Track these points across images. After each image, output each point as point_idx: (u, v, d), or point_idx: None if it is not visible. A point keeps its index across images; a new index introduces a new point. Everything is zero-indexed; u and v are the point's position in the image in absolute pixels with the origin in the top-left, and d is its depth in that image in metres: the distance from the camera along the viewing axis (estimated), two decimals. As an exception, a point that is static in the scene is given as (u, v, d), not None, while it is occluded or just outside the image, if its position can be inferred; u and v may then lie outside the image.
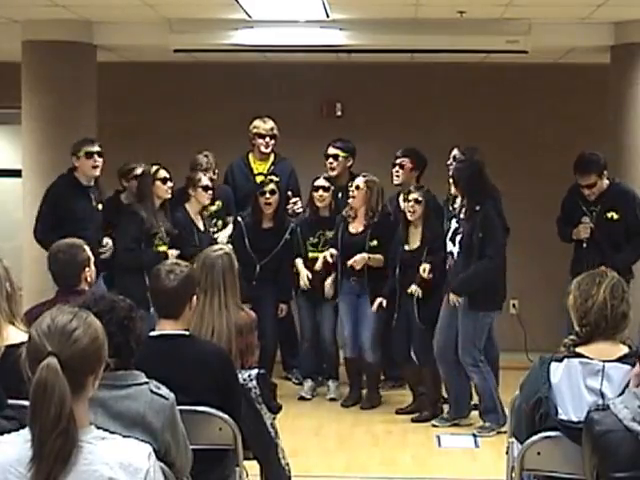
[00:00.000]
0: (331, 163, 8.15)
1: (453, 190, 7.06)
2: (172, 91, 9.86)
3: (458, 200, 7.14)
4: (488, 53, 8.72)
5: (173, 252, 7.19)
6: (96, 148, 7.23)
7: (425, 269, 7.10)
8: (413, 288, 7.19)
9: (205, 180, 7.63)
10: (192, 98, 9.86)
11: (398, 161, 7.77)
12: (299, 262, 7.89)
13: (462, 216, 6.96)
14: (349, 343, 7.80)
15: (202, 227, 7.65)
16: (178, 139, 9.41)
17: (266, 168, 8.32)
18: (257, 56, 9.26)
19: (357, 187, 7.58)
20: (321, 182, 7.89)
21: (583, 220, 7.16)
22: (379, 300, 7.49)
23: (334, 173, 8.14)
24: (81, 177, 7.24)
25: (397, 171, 7.76)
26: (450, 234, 7.00)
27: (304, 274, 7.82)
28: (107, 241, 7.27)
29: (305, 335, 8.15)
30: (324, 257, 7.69)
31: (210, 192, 7.65)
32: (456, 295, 6.88)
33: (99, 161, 7.22)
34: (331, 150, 8.18)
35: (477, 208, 6.87)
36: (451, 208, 7.21)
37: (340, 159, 8.15)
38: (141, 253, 7.12)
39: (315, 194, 7.88)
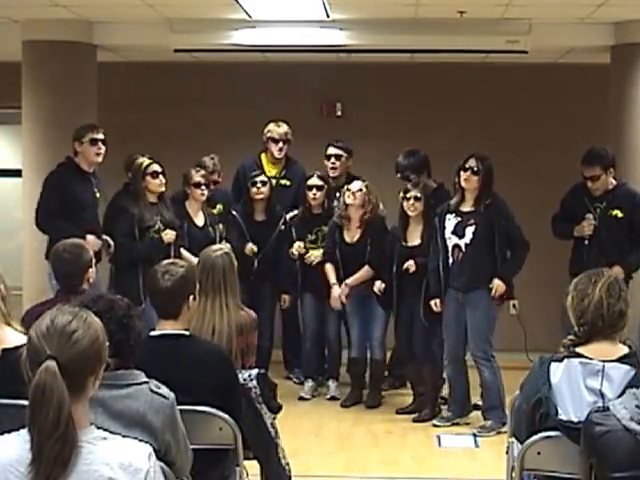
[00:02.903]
0: (333, 163, 8.16)
1: (472, 186, 6.96)
2: (172, 91, 9.86)
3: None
4: (488, 53, 8.72)
5: (168, 232, 7.18)
6: (100, 135, 7.21)
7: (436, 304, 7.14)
8: (410, 263, 7.21)
9: (197, 177, 7.63)
10: (192, 98, 9.85)
11: (400, 176, 7.74)
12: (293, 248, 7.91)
13: (468, 209, 6.95)
14: (356, 343, 7.80)
15: (201, 223, 7.64)
16: (178, 139, 9.41)
17: (279, 171, 8.33)
18: (257, 56, 9.26)
19: (360, 190, 7.57)
20: (315, 181, 7.90)
21: (587, 217, 7.18)
22: (378, 283, 7.48)
23: (336, 173, 8.15)
24: (82, 163, 7.19)
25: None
26: (452, 228, 6.99)
27: (295, 248, 7.86)
28: (106, 238, 7.22)
29: (308, 335, 8.15)
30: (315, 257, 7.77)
31: (203, 188, 7.63)
32: (505, 288, 6.94)
33: (102, 149, 7.20)
34: (333, 150, 8.18)
35: (488, 201, 6.91)
36: (453, 206, 7.12)
37: (342, 159, 8.16)
38: (133, 245, 7.09)
39: (309, 193, 7.91)
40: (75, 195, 7.09)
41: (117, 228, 7.20)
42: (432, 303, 7.12)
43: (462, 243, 6.96)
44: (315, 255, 7.87)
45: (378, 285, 7.52)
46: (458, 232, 6.97)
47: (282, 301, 8.11)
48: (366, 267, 7.62)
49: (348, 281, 7.64)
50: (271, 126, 8.30)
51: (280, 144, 8.26)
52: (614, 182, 7.22)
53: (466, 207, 7.00)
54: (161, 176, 7.28)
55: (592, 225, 7.15)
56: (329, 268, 7.74)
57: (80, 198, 7.11)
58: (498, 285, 6.91)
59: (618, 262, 6.98)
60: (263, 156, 8.41)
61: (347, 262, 7.67)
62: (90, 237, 6.93)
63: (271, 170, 8.30)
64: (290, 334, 8.60)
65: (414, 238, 7.37)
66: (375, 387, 7.85)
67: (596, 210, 7.17)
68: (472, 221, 6.93)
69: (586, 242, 7.19)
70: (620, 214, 7.13)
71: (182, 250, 7.28)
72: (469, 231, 6.93)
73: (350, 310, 7.80)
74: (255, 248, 7.73)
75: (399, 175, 7.77)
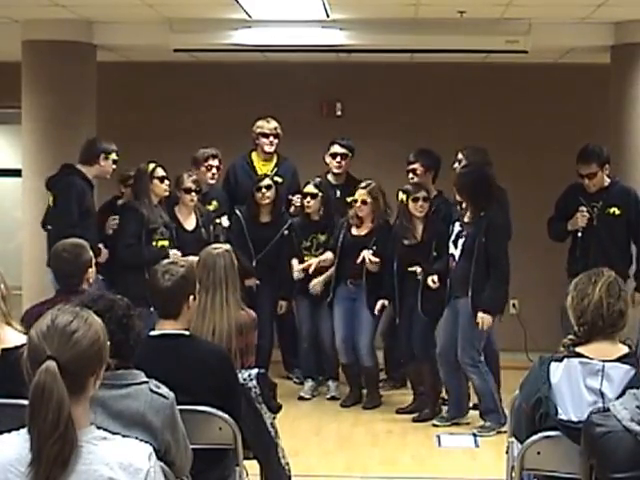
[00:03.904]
0: (339, 162, 8.16)
1: (453, 193, 7.07)
2: (172, 91, 9.86)
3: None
4: (488, 53, 8.71)
5: (175, 252, 7.17)
6: None
7: (434, 280, 7.12)
8: (418, 270, 7.20)
9: (188, 182, 7.55)
10: (192, 98, 9.85)
11: (410, 167, 7.76)
12: (294, 262, 7.89)
13: (466, 220, 6.97)
14: (342, 349, 7.76)
15: (191, 227, 7.60)
16: (178, 139, 9.40)
17: (270, 169, 8.30)
18: (257, 56, 9.26)
19: (364, 202, 7.55)
20: (309, 189, 7.88)
21: (580, 209, 7.18)
22: (381, 302, 7.50)
23: (341, 171, 8.15)
24: (89, 173, 7.18)
25: (411, 178, 7.75)
26: (453, 237, 7.02)
27: (297, 268, 7.83)
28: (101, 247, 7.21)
29: (304, 336, 8.14)
30: (319, 261, 7.72)
31: (193, 194, 7.55)
32: (491, 316, 6.85)
33: (114, 167, 7.30)
34: (339, 149, 8.17)
35: (482, 214, 6.90)
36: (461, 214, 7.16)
37: (347, 158, 8.17)
38: (141, 248, 7.08)
39: (303, 201, 7.90)
40: (88, 205, 7.12)
41: (126, 228, 7.18)
42: (429, 279, 7.11)
43: (456, 253, 6.99)
44: (317, 290, 7.81)
45: (379, 306, 7.52)
46: (455, 242, 7.01)
47: (279, 307, 8.09)
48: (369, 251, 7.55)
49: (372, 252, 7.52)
50: (260, 122, 8.29)
51: (271, 138, 8.24)
52: (608, 180, 7.24)
53: (466, 218, 7.02)
54: (166, 180, 7.31)
55: (586, 217, 7.15)
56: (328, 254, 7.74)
57: (91, 208, 7.16)
58: (483, 319, 6.83)
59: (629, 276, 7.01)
60: (254, 155, 8.39)
61: (346, 254, 7.61)
62: (104, 249, 7.06)
63: (262, 168, 8.28)
64: (286, 335, 8.60)
65: (414, 238, 7.38)
66: (372, 390, 7.83)
67: (593, 209, 7.18)
68: (465, 232, 6.96)
69: (579, 234, 7.19)
70: (618, 211, 7.15)
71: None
72: (460, 242, 6.96)
73: (336, 314, 7.74)
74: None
75: (408, 166, 7.76)
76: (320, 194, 7.87)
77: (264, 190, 7.84)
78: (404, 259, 7.34)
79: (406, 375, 7.88)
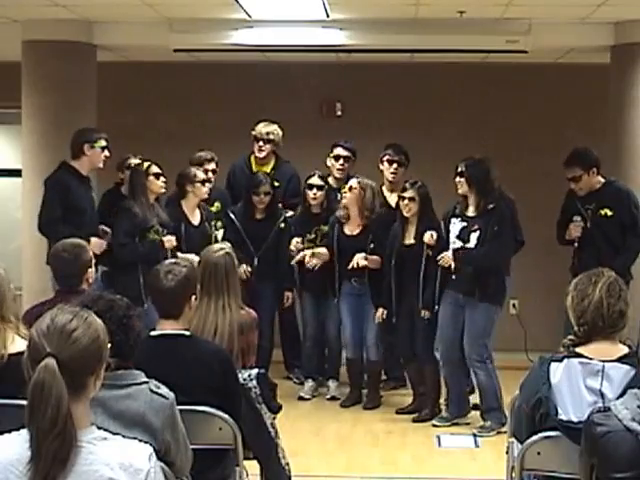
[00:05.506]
0: (342, 165, 8.13)
1: (462, 190, 7.02)
2: (172, 91, 9.86)
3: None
4: (488, 53, 8.72)
5: (170, 238, 7.16)
6: (106, 142, 7.17)
7: (432, 235, 7.12)
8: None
9: (201, 174, 7.59)
10: (192, 98, 9.85)
11: (399, 161, 7.80)
12: (293, 241, 7.84)
13: (471, 214, 6.96)
14: (351, 344, 7.81)
15: (197, 222, 7.62)
16: (178, 139, 9.40)
17: (267, 172, 8.28)
18: (257, 56, 9.26)
19: (350, 188, 7.60)
20: (315, 181, 7.89)
21: (574, 219, 7.17)
22: (380, 311, 7.48)
23: (342, 175, 8.12)
24: (82, 167, 7.10)
25: (394, 173, 7.82)
26: (458, 232, 7.00)
27: (294, 245, 7.80)
28: (106, 229, 7.21)
29: (308, 334, 8.14)
30: (313, 252, 7.70)
31: (207, 185, 7.58)
32: (457, 263, 6.91)
33: (108, 154, 7.17)
34: (342, 151, 8.14)
35: (490, 206, 6.91)
36: (458, 210, 7.15)
37: (350, 161, 8.16)
38: (136, 246, 7.07)
39: (309, 192, 7.89)
40: (76, 201, 7.01)
41: (119, 227, 7.18)
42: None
43: (468, 247, 6.96)
44: (314, 263, 7.80)
45: (379, 314, 7.47)
46: (463, 237, 6.98)
47: (285, 299, 8.08)
48: (376, 257, 7.58)
49: (365, 255, 7.52)
50: (258, 125, 8.24)
51: (260, 143, 8.18)
52: (602, 181, 7.19)
53: (470, 212, 7.01)
54: (162, 177, 7.29)
55: (579, 227, 7.14)
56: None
57: (80, 204, 7.03)
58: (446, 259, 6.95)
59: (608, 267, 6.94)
60: (253, 157, 8.36)
61: (344, 254, 7.62)
62: (94, 240, 6.93)
63: (259, 170, 8.24)
64: (288, 335, 8.59)
65: (410, 237, 7.38)
66: (372, 388, 7.84)
67: (587, 212, 7.16)
68: (476, 226, 6.94)
69: (575, 244, 7.19)
70: (610, 212, 7.08)
71: (179, 254, 7.22)
72: (474, 237, 6.94)
73: (343, 310, 7.78)
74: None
75: (385, 157, 7.89)
76: (325, 186, 7.90)
77: (262, 196, 7.83)
78: (401, 258, 7.33)
79: (406, 375, 7.88)
